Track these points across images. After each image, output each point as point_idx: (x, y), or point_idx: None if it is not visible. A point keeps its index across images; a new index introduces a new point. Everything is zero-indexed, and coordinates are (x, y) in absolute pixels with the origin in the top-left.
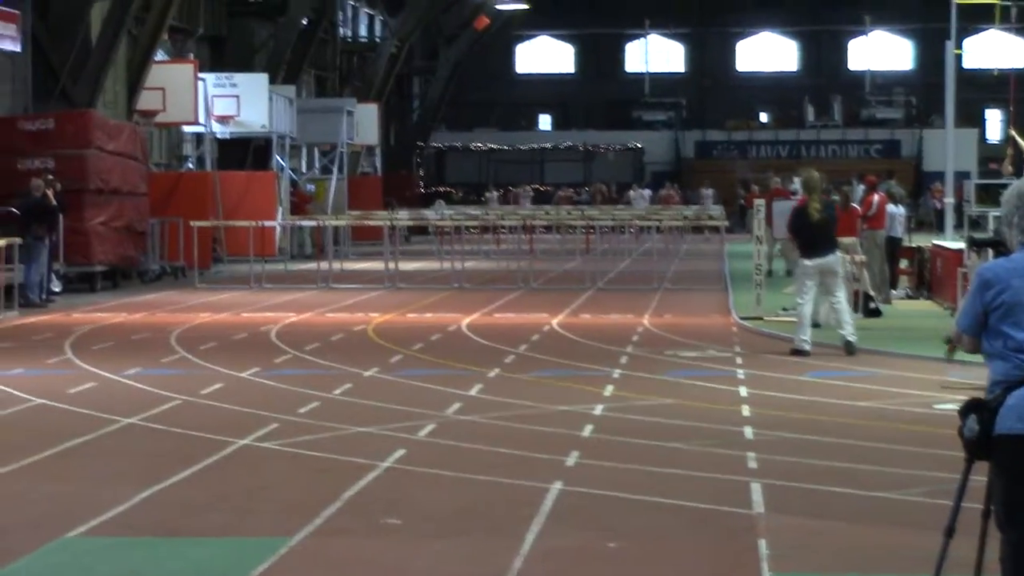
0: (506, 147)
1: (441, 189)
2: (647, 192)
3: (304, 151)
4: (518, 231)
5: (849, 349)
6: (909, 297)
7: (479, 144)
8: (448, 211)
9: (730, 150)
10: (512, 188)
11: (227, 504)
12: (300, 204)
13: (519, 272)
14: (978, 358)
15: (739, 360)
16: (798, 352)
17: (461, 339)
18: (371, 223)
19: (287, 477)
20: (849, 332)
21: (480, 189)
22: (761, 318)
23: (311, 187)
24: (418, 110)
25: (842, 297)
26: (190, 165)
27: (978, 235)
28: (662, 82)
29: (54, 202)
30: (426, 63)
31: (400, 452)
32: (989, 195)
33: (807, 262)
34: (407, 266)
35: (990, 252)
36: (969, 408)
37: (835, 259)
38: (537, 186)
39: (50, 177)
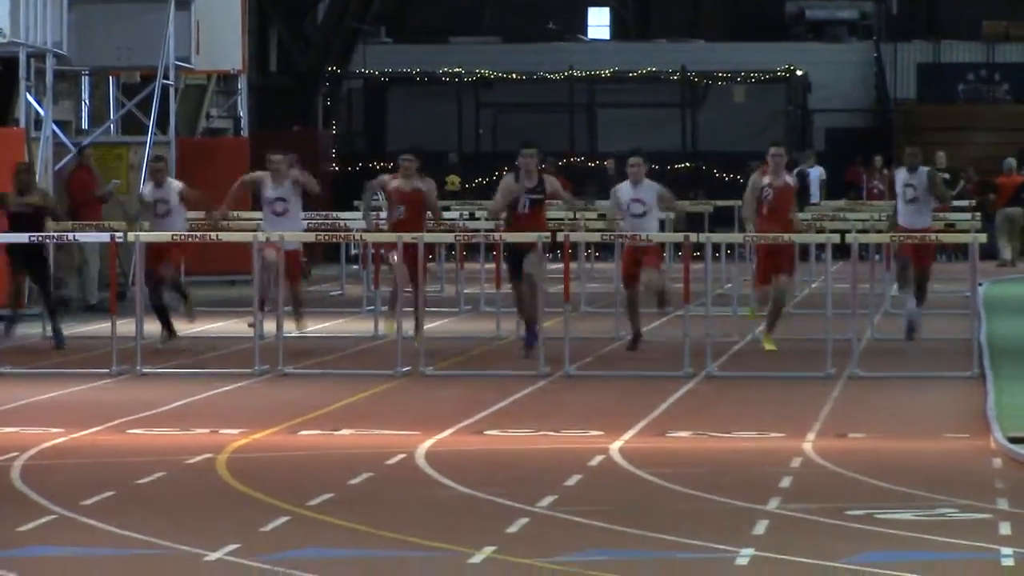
0: (515, 75)
1: (379, 165)
2: (816, 172)
3: (85, 84)
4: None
5: None
6: None
7: (457, 69)
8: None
9: (991, 83)
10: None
11: None
12: (83, 193)
13: (539, 342)
14: None
15: (1006, 530)
16: None
17: (415, 482)
18: (228, 238)
19: None
20: None
21: (474, 164)
22: None
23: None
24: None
25: None
26: None
27: None
28: None
29: None
30: None
31: None
32: None
33: None
34: (304, 329)
35: None
36: None
37: None
38: (580, 158)
39: None
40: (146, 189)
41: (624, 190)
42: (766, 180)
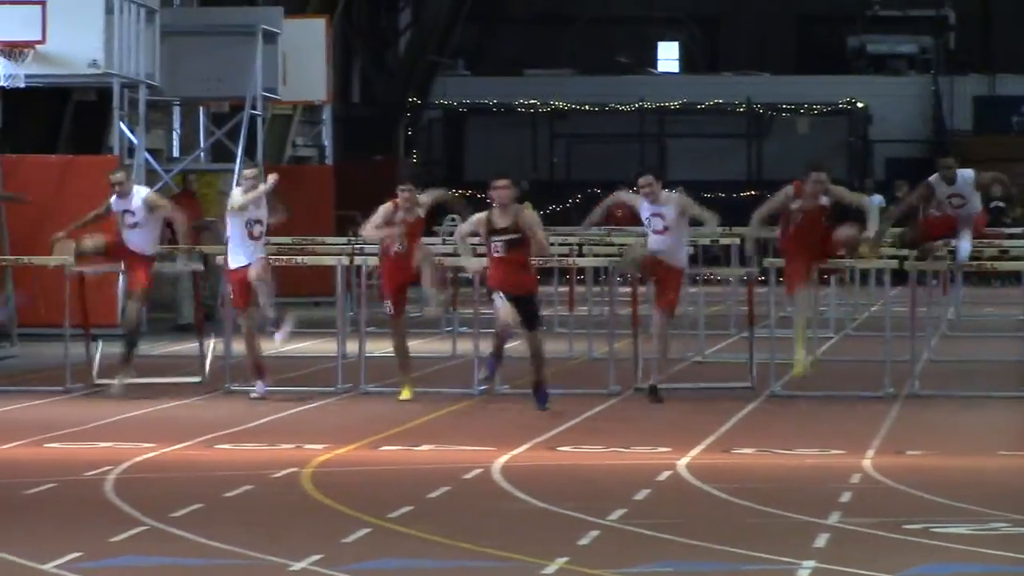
0: (588, 106)
1: (456, 191)
2: (876, 200)
3: (176, 114)
4: (611, 278)
5: None
6: None
7: (532, 101)
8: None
9: None
10: (598, 190)
11: None
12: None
13: (610, 362)
14: None
15: None
16: None
17: (491, 496)
18: (313, 262)
19: None
20: None
21: (546, 192)
22: None
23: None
24: (410, 33)
25: None
26: None
27: None
28: None
29: None
30: None
31: None
32: None
33: None
34: (382, 348)
35: None
36: None
37: None
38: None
39: None
40: (112, 200)
41: (644, 205)
42: (797, 204)
